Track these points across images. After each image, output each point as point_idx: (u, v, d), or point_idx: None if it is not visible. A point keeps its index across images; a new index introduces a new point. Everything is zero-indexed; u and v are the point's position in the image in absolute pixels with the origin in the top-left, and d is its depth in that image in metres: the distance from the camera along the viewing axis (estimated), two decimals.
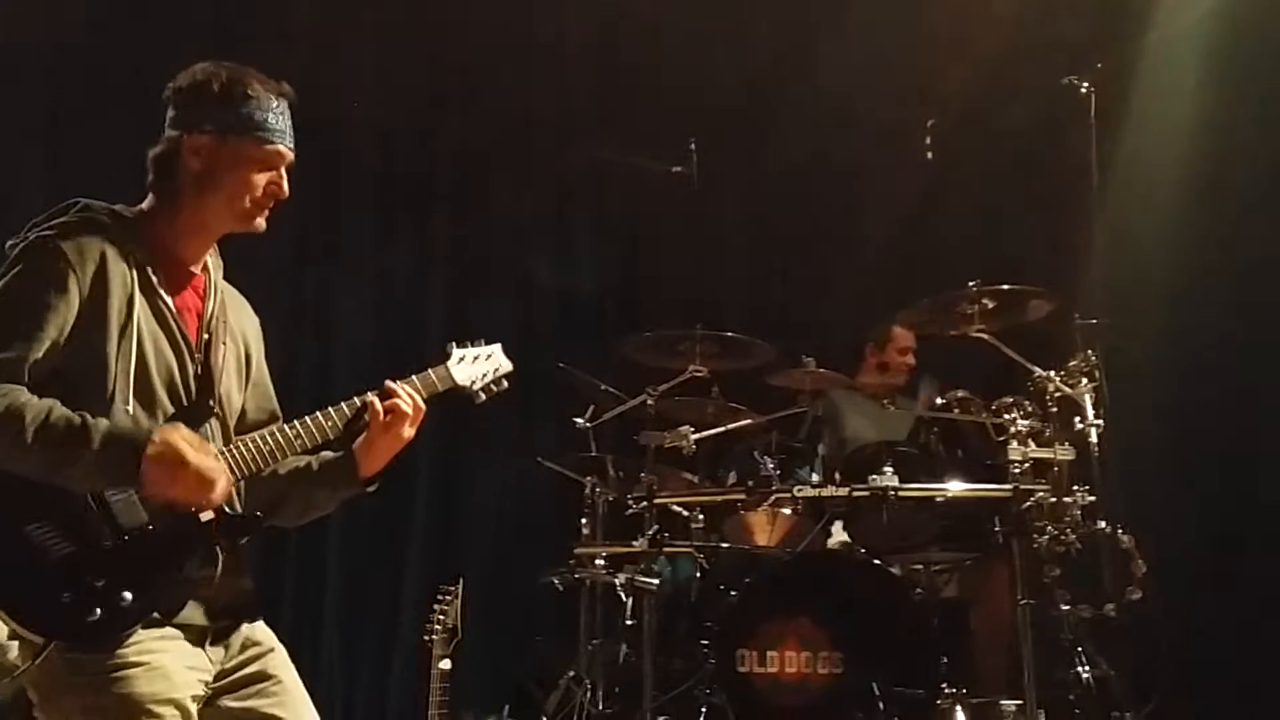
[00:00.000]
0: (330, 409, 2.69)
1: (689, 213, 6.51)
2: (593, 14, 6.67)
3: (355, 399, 2.72)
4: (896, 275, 6.41)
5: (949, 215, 6.55)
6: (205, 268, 2.72)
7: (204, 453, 2.44)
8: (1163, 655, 5.24)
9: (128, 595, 2.41)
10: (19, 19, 6.05)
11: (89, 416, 2.37)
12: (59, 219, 2.53)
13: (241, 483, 2.61)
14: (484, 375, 2.90)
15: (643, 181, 6.32)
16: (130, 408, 2.46)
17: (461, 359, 2.88)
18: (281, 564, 6.51)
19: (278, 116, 2.63)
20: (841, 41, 6.35)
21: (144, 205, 2.65)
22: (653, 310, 6.63)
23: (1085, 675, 4.58)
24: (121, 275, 2.50)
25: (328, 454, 2.77)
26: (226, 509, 2.55)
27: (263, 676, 2.64)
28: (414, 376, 2.81)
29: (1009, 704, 4.65)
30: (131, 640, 2.42)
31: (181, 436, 2.42)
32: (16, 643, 2.43)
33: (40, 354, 2.39)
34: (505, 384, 2.94)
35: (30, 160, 6.22)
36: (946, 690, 4.56)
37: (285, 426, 2.65)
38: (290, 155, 2.67)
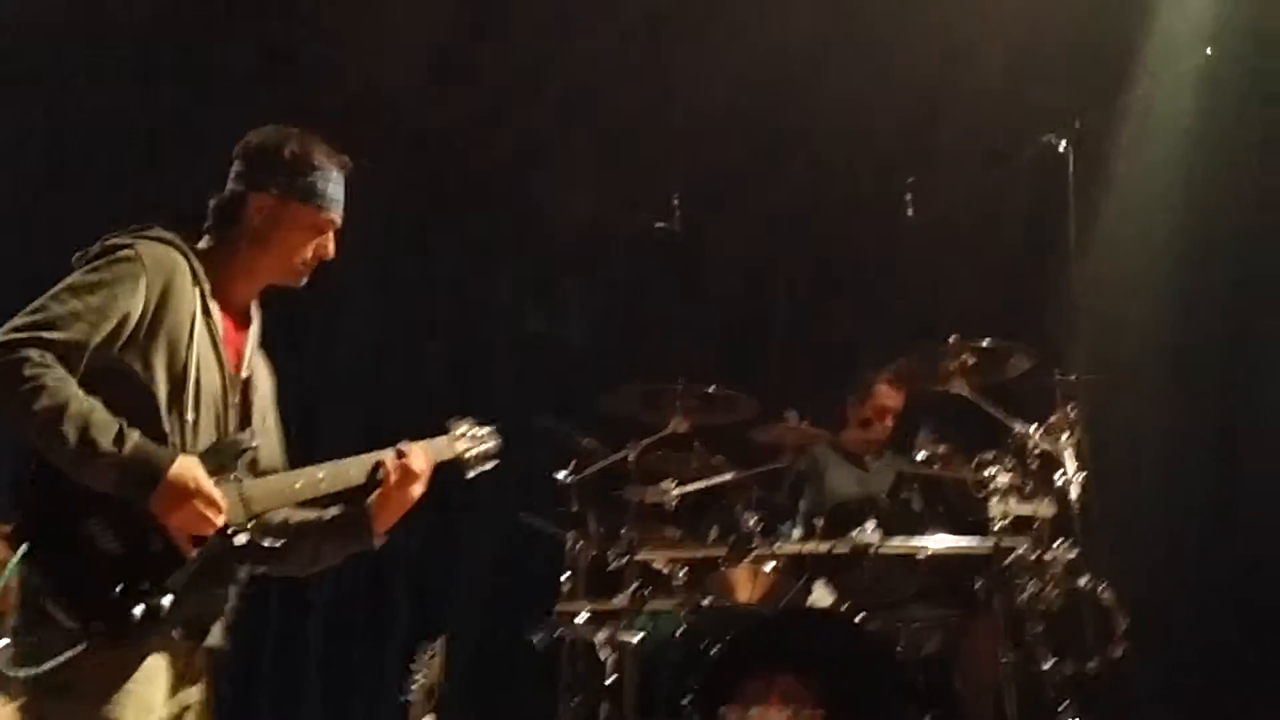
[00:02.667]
0: (351, 459, 2.81)
1: (672, 268, 6.55)
2: (587, 70, 6.73)
3: (371, 454, 2.83)
4: (878, 331, 6.44)
5: (930, 272, 6.59)
6: (248, 314, 2.87)
7: (215, 495, 2.53)
8: (1146, 712, 5.24)
9: (166, 601, 2.50)
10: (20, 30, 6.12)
11: (125, 424, 2.47)
12: (135, 231, 2.66)
13: (256, 518, 2.69)
14: (476, 454, 3.05)
15: (627, 236, 6.37)
16: (190, 416, 2.60)
17: (461, 435, 3.03)
18: (263, 621, 6.46)
19: (336, 186, 2.84)
20: (824, 101, 6.42)
21: (200, 245, 2.78)
22: (635, 365, 6.64)
23: None
24: (188, 293, 2.66)
25: (336, 509, 2.87)
26: (255, 536, 2.65)
27: None
28: (420, 442, 2.91)
29: None
30: (140, 657, 2.51)
31: (202, 472, 2.52)
32: None
33: (96, 340, 2.50)
34: (492, 463, 3.10)
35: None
36: None
37: (312, 470, 2.77)
38: (339, 222, 2.86)
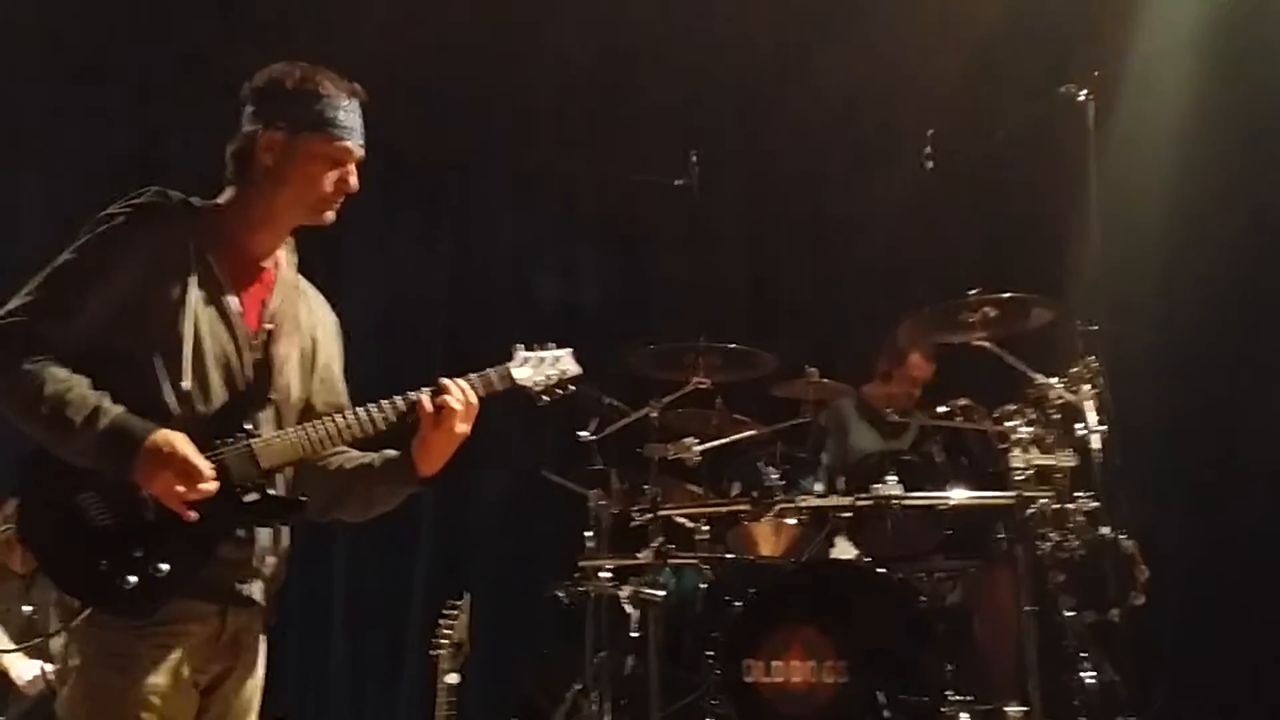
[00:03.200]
0: (383, 402, 2.73)
1: (691, 224, 6.54)
2: (593, 26, 6.70)
3: (409, 394, 2.74)
4: (898, 284, 6.43)
5: (949, 223, 6.57)
6: (276, 263, 2.79)
7: (196, 461, 2.49)
8: (1166, 660, 5.26)
9: (164, 566, 2.49)
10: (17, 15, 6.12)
11: (106, 400, 2.46)
12: (129, 198, 2.61)
13: (289, 468, 2.70)
14: (547, 378, 2.90)
15: (645, 193, 6.35)
16: (188, 384, 2.55)
17: (525, 360, 2.89)
18: (288, 579, 6.52)
19: (348, 114, 2.71)
20: (840, 53, 6.39)
21: (220, 199, 2.73)
22: (656, 322, 6.65)
23: (1090, 681, 4.57)
24: (179, 260, 2.59)
25: (390, 452, 2.81)
26: (269, 490, 2.63)
27: (227, 711, 2.70)
28: (472, 374, 2.81)
29: (1014, 710, 4.66)
30: (158, 624, 2.50)
31: (183, 441, 2.48)
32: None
33: (86, 320, 2.50)
34: (571, 388, 2.94)
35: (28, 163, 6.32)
36: (952, 697, 4.57)
37: (335, 417, 2.70)
38: (360, 152, 2.74)
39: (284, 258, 2.81)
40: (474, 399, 2.75)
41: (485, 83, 6.74)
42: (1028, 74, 5.87)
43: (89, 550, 2.47)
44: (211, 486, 2.49)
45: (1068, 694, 4.59)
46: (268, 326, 2.72)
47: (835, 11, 6.40)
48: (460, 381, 2.76)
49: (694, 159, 6.07)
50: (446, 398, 2.72)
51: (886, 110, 6.40)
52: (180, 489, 2.46)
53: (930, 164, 5.78)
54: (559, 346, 2.94)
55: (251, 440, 2.61)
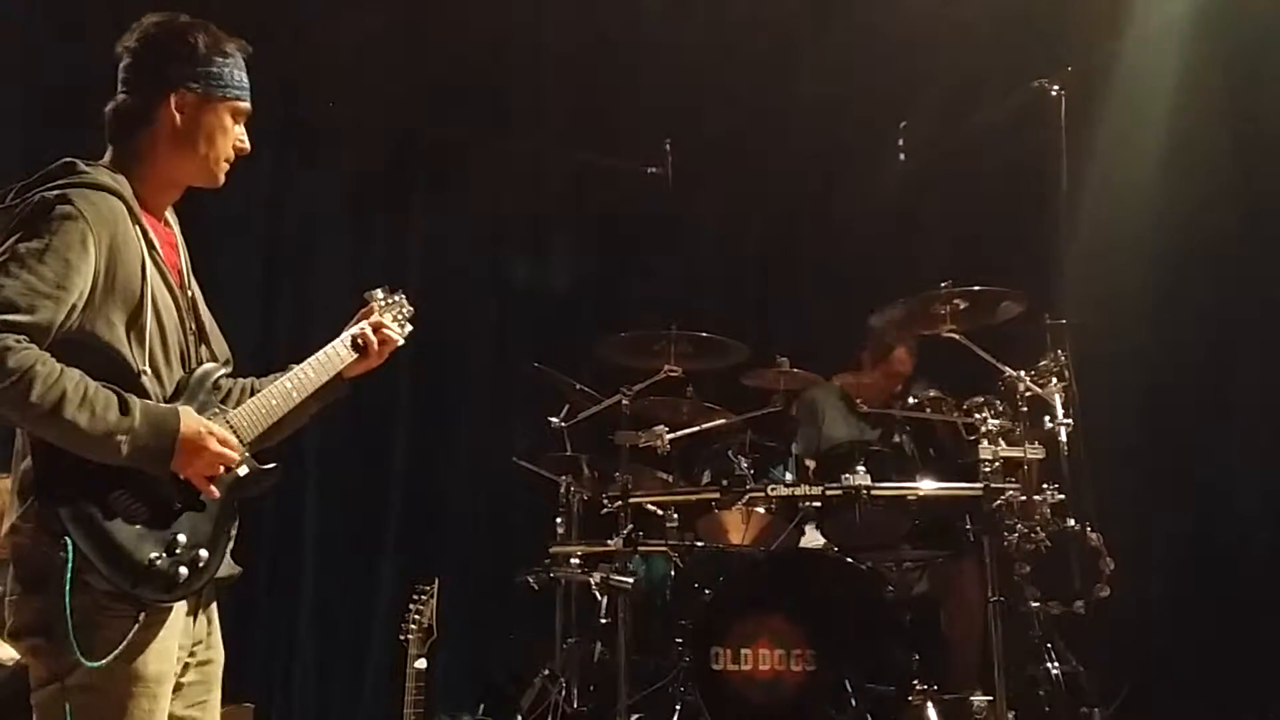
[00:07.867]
0: (325, 350, 2.81)
1: (664, 213, 6.54)
2: (572, 16, 6.69)
3: (343, 338, 2.85)
4: (870, 276, 6.45)
5: (922, 216, 6.59)
6: (167, 221, 2.75)
7: (228, 436, 2.53)
8: (1130, 651, 5.31)
9: (204, 553, 2.52)
10: None
11: (123, 392, 2.42)
12: (62, 179, 2.51)
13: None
14: (403, 317, 3.01)
15: (619, 182, 6.35)
16: (160, 361, 2.54)
17: (385, 303, 2.99)
18: (256, 563, 6.50)
19: (245, 74, 2.72)
20: (817, 44, 6.39)
21: (105, 160, 2.64)
22: (628, 310, 6.65)
23: (1054, 671, 4.63)
24: (134, 239, 2.54)
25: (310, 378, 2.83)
26: (254, 461, 2.65)
27: (203, 689, 2.69)
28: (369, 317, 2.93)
29: (979, 700, 4.71)
30: (159, 611, 2.48)
31: (201, 419, 2.50)
32: None
33: (63, 316, 2.40)
34: (410, 326, 3.04)
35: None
36: (918, 687, 4.61)
37: (281, 385, 2.72)
38: (250, 110, 2.75)
39: (172, 218, 2.77)
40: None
41: (463, 68, 6.72)
42: (1001, 69, 5.89)
43: (136, 547, 2.42)
44: (241, 462, 2.55)
45: (1032, 684, 4.65)
46: (190, 292, 2.71)
47: (812, 6, 6.41)
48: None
49: (668, 146, 6.09)
50: (387, 331, 2.89)
51: (862, 102, 6.41)
52: (219, 462, 2.50)
53: (903, 156, 5.81)
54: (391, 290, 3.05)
55: (227, 414, 2.61)
